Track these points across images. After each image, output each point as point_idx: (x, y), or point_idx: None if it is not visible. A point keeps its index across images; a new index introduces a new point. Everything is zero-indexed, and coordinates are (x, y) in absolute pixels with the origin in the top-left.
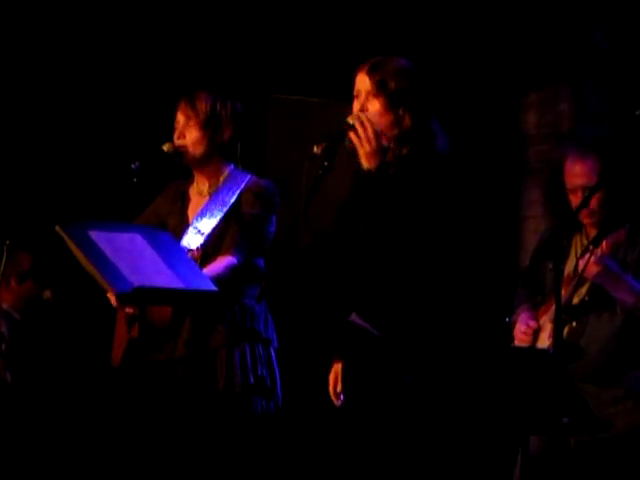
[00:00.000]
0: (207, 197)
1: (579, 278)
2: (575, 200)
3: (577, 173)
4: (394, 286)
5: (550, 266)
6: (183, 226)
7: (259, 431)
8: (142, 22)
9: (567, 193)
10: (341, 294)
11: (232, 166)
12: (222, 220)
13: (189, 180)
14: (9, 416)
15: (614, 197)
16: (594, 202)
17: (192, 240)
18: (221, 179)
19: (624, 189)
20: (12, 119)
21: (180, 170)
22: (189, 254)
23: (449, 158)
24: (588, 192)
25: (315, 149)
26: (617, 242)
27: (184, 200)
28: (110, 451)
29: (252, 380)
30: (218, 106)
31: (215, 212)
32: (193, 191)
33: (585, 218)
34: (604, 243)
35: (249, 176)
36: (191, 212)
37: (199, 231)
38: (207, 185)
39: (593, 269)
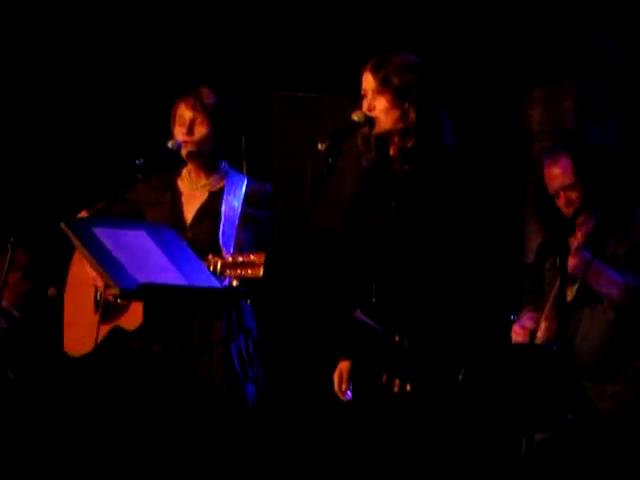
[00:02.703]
0: (206, 193)
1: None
2: (560, 202)
3: (554, 176)
4: (399, 280)
5: (548, 266)
6: (177, 218)
7: (253, 423)
8: (147, 19)
9: (553, 198)
10: (349, 292)
11: (225, 162)
12: (238, 220)
13: (175, 172)
14: (11, 414)
15: (592, 190)
16: (575, 197)
17: (229, 243)
18: (220, 176)
19: (600, 181)
20: (15, 116)
21: (184, 165)
22: (245, 258)
23: (456, 153)
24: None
25: (320, 146)
26: (588, 232)
27: (174, 192)
28: (110, 445)
29: (251, 374)
30: (224, 102)
31: (231, 213)
32: (185, 184)
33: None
34: (579, 234)
35: (245, 176)
36: (187, 205)
37: (230, 235)
38: (206, 180)
39: (571, 262)
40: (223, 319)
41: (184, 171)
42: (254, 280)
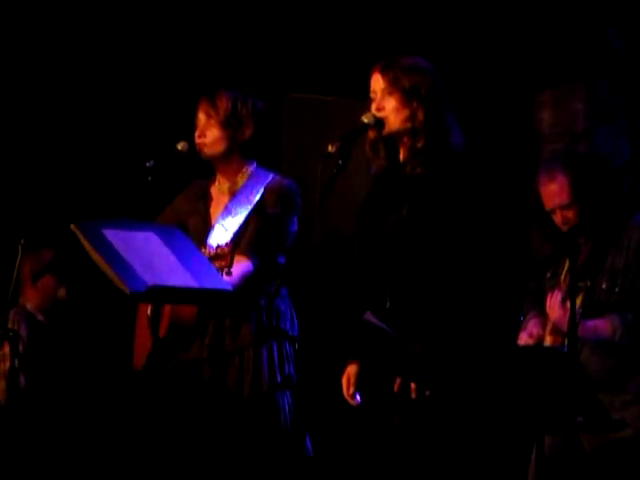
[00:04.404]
0: (228, 195)
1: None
2: (557, 220)
3: (550, 195)
4: (412, 284)
5: (549, 275)
6: (205, 225)
7: (285, 428)
8: (158, 22)
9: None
10: (358, 294)
11: (254, 164)
12: (247, 218)
13: (210, 179)
14: (21, 422)
15: (589, 207)
16: (572, 216)
17: (219, 237)
18: (243, 177)
19: (597, 197)
20: (29, 117)
21: (194, 168)
22: (218, 250)
23: (466, 156)
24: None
25: (330, 148)
26: (584, 261)
27: (206, 199)
28: (133, 454)
29: (279, 378)
30: (239, 104)
31: (240, 210)
32: (215, 190)
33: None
34: (562, 281)
35: (272, 175)
36: (213, 211)
37: (225, 229)
38: (230, 182)
39: (555, 314)
40: (253, 322)
41: (217, 178)
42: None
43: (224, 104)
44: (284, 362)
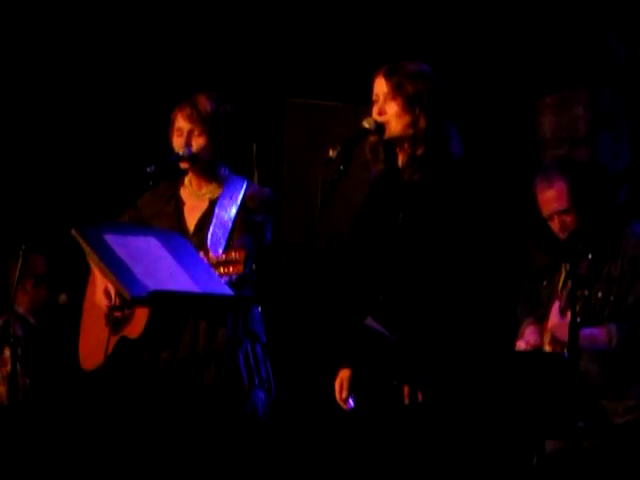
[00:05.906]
0: (207, 201)
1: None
2: (554, 226)
3: (548, 200)
4: (405, 290)
5: (545, 283)
6: (181, 229)
7: (261, 429)
8: (159, 27)
9: (546, 221)
10: (354, 299)
11: (226, 168)
12: (233, 224)
13: (177, 181)
14: (27, 422)
15: (587, 213)
16: (569, 221)
17: (218, 243)
18: (220, 183)
19: (595, 204)
20: (27, 123)
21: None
22: (229, 256)
23: (465, 164)
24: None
25: (331, 153)
26: (583, 274)
27: (177, 202)
28: (123, 453)
29: (257, 380)
30: (220, 108)
31: (226, 216)
32: (187, 193)
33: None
34: (560, 290)
35: (245, 180)
36: (189, 215)
37: (220, 237)
38: (206, 188)
39: (554, 324)
40: (229, 325)
41: (186, 180)
42: (265, 286)
43: (208, 109)
44: (259, 364)
